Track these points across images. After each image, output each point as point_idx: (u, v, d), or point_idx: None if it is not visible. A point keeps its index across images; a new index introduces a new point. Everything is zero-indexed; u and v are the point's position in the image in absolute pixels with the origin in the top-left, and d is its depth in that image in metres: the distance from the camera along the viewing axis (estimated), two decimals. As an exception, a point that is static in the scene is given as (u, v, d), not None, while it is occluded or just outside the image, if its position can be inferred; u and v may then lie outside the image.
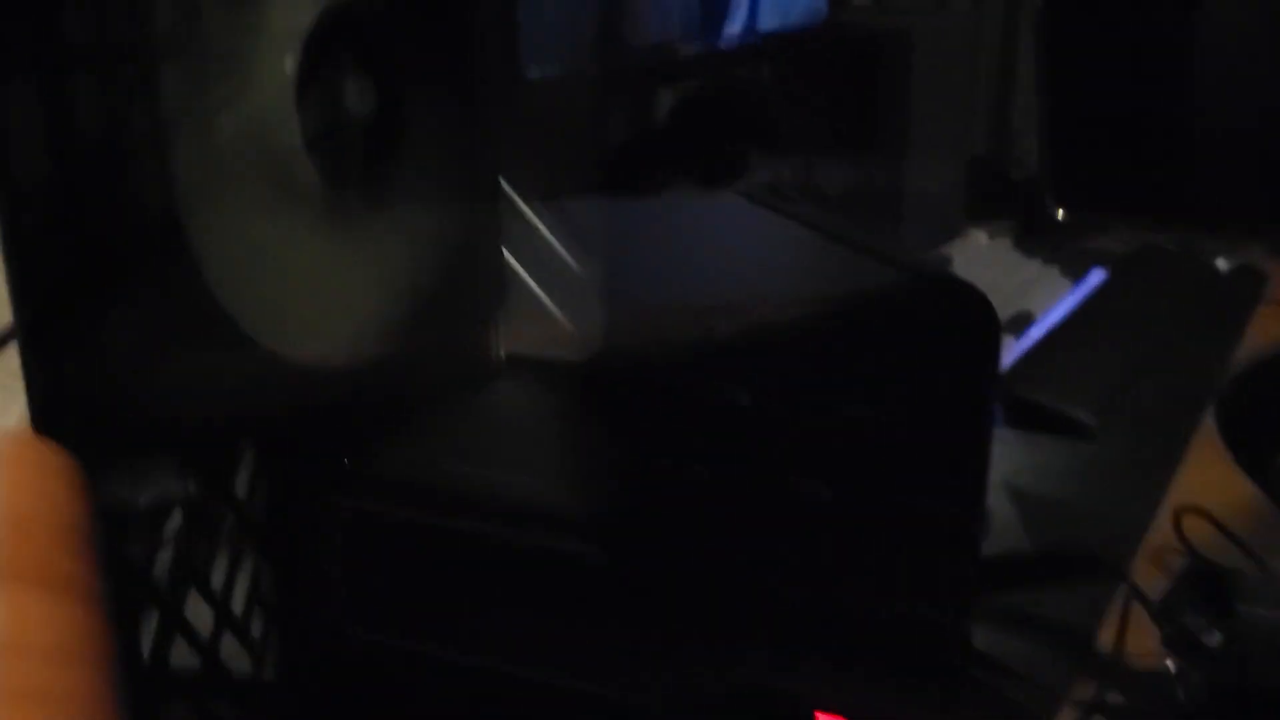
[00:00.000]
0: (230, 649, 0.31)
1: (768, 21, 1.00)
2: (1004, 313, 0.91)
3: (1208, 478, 0.72)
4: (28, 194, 0.25)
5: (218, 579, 0.30)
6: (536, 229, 0.33)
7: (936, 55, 1.11)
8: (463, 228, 0.31)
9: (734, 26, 0.95)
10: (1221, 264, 1.08)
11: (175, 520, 0.25)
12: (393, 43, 0.27)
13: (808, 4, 1.07)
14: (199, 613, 0.30)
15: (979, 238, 1.09)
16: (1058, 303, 0.96)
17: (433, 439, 0.29)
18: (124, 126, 0.25)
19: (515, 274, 0.32)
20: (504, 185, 0.33)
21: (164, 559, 0.27)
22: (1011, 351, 0.86)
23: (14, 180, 0.24)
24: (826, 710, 0.28)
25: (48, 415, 0.21)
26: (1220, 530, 0.62)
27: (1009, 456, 0.74)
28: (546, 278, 0.32)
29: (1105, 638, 0.55)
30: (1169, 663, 0.49)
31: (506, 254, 0.33)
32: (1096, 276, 1.03)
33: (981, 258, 1.04)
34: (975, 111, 1.39)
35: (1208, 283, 1.06)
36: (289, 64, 0.24)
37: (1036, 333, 0.90)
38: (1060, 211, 1.10)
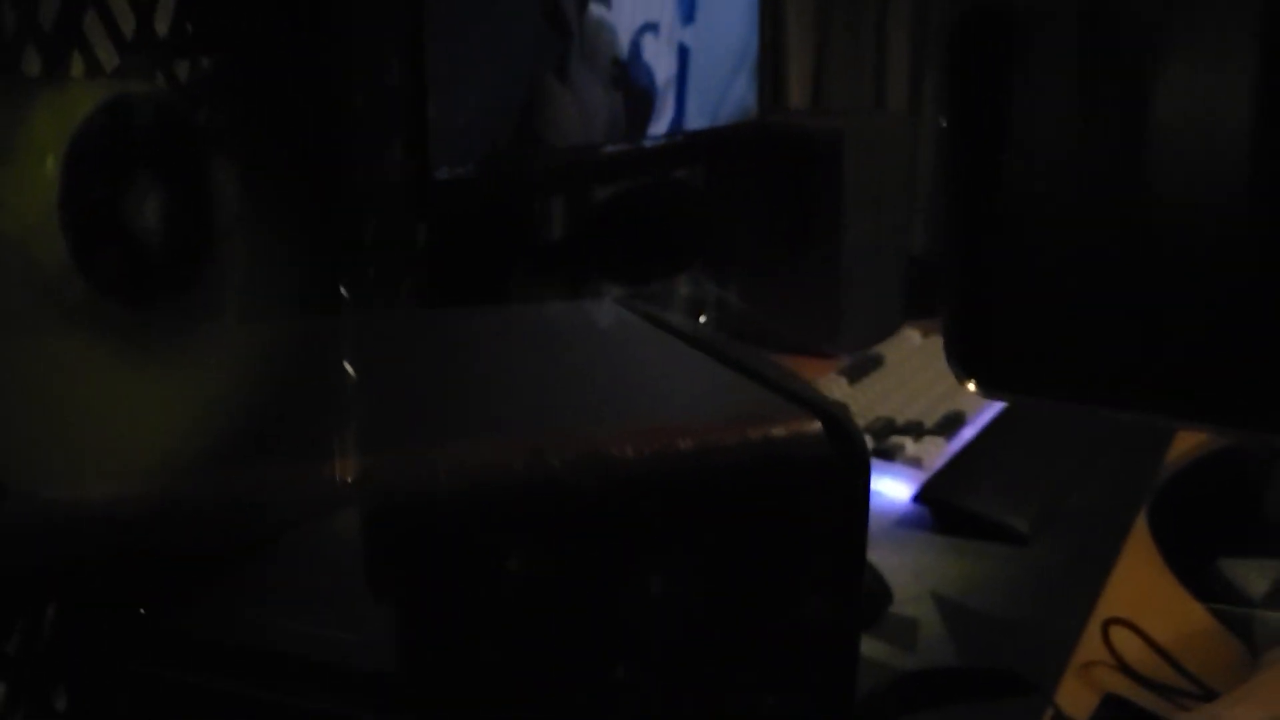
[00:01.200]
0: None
1: (695, 121, 1.00)
2: (936, 413, 0.90)
3: (1141, 583, 0.70)
4: None
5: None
6: (387, 340, 0.31)
7: (871, 155, 1.12)
8: (295, 343, 0.29)
9: (659, 126, 0.95)
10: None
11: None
12: (224, 155, 0.25)
13: (737, 103, 1.08)
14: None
15: (913, 336, 1.08)
16: (991, 404, 0.95)
17: (243, 585, 0.26)
18: None
19: (352, 385, 0.30)
20: (343, 293, 0.31)
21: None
22: (942, 454, 0.84)
23: None
24: None
25: None
26: (1147, 643, 0.61)
27: (938, 565, 0.71)
28: (392, 394, 0.29)
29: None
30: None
31: (348, 367, 0.30)
32: (1030, 375, 1.02)
33: (915, 356, 1.04)
34: (911, 210, 1.40)
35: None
36: (49, 163, 0.21)
37: (968, 434, 0.88)
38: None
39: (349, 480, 0.23)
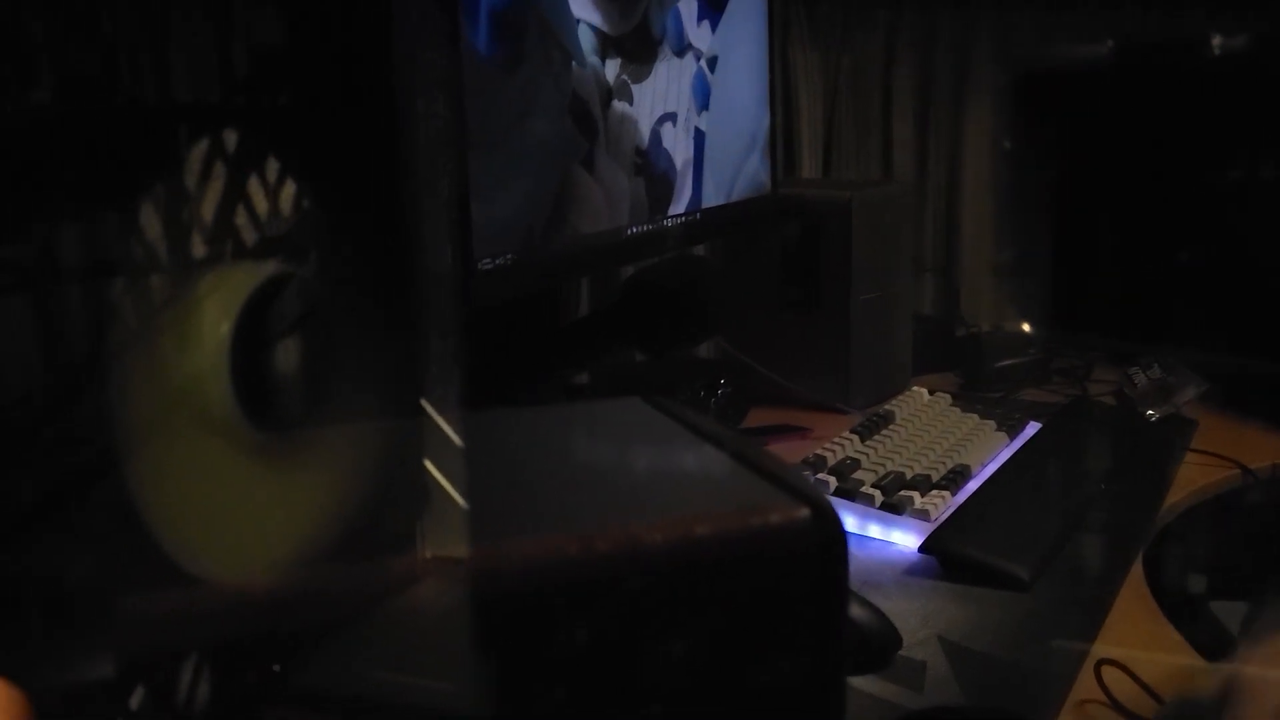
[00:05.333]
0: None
1: (712, 198, 1.08)
2: (943, 467, 0.96)
3: (1135, 625, 0.75)
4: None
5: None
6: (451, 441, 0.38)
7: (878, 221, 1.19)
8: (385, 448, 0.36)
9: (679, 205, 1.03)
10: (1152, 413, 1.14)
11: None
12: (330, 310, 0.33)
13: (751, 179, 1.15)
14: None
15: (921, 393, 1.14)
16: (994, 456, 1.01)
17: (356, 646, 0.33)
18: (76, 357, 0.30)
19: (434, 483, 0.37)
20: (424, 404, 0.38)
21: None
22: (948, 506, 0.90)
23: None
24: None
25: (11, 652, 0.25)
26: (1136, 682, 0.66)
27: (945, 610, 0.77)
28: (461, 485, 0.36)
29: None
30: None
31: (428, 466, 0.38)
32: (1032, 430, 1.08)
33: (923, 413, 1.10)
34: (918, 271, 1.47)
35: (1139, 432, 1.11)
36: (224, 329, 0.29)
37: (973, 486, 0.94)
38: (1027, 327, 1.21)
39: (443, 567, 0.30)
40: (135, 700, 0.27)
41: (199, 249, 0.30)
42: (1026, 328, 1.34)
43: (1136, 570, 0.82)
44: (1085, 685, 0.67)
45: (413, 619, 0.33)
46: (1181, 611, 0.79)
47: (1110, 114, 1.14)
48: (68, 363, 0.29)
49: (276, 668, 0.33)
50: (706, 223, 1.07)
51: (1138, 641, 0.72)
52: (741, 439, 0.39)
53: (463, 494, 0.35)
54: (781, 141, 1.40)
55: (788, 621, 0.31)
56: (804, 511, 0.32)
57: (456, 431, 0.38)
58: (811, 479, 0.92)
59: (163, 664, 0.31)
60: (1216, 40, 1.05)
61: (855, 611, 0.71)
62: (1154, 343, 1.23)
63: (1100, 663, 0.67)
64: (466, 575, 0.31)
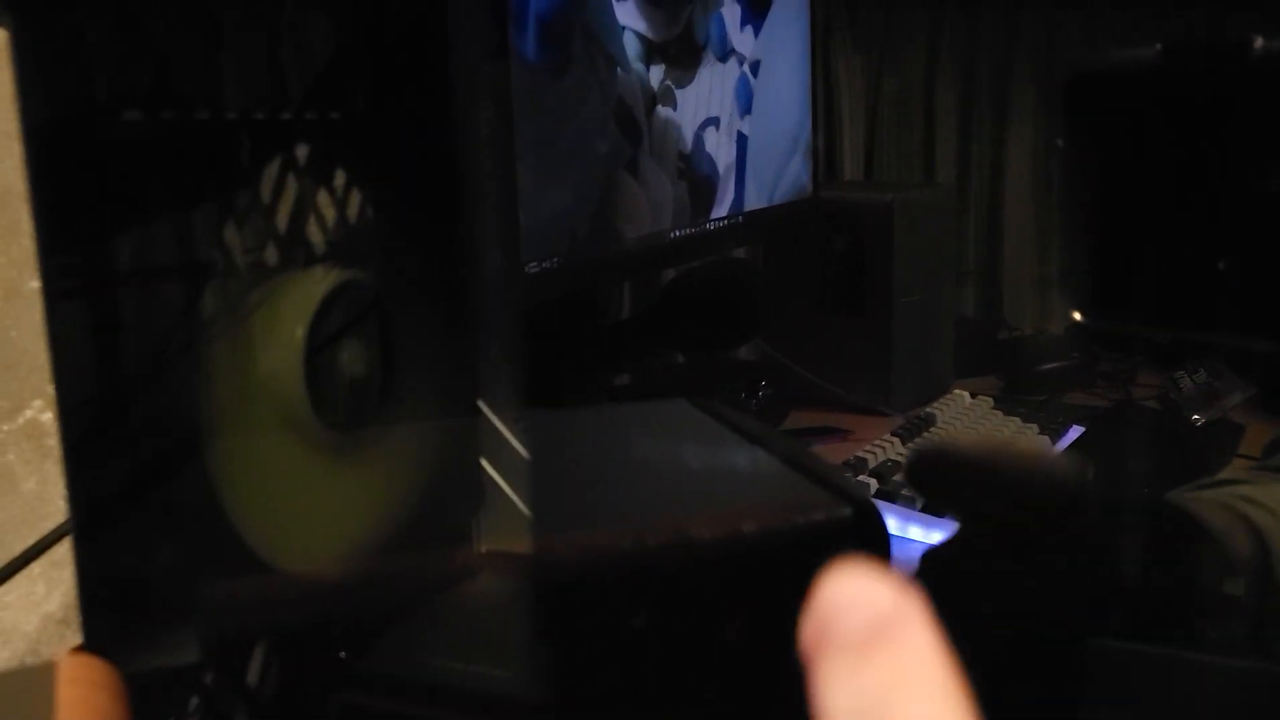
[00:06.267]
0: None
1: (754, 201, 1.09)
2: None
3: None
4: (80, 405, 0.31)
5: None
6: (507, 440, 0.40)
7: (919, 224, 1.19)
8: (444, 446, 0.38)
9: (721, 209, 1.04)
10: (1197, 418, 1.13)
11: (191, 708, 0.30)
12: (391, 313, 0.35)
13: (793, 182, 1.16)
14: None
15: (963, 396, 1.14)
16: (1036, 459, 1.01)
17: (418, 634, 0.34)
18: (161, 353, 0.32)
19: (490, 479, 0.38)
20: (481, 404, 0.40)
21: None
22: (989, 509, 0.90)
23: (68, 391, 0.31)
24: None
25: (99, 633, 0.27)
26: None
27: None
28: (516, 482, 0.38)
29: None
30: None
31: (484, 464, 0.39)
32: (1075, 434, 1.08)
33: (963, 416, 1.10)
34: (961, 274, 1.47)
35: (1184, 437, 1.10)
36: (299, 332, 0.31)
37: (1014, 490, 0.94)
38: (1077, 315, 1.19)
39: (501, 559, 0.32)
40: (210, 682, 0.29)
41: (272, 255, 0.32)
42: (1078, 316, 1.33)
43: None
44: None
45: (472, 608, 0.34)
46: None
47: (1155, 115, 1.14)
48: (152, 356, 0.31)
49: (343, 654, 0.34)
50: (748, 225, 1.08)
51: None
52: (788, 439, 0.40)
53: (519, 490, 0.37)
54: (823, 144, 1.41)
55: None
56: (847, 510, 0.33)
57: (513, 430, 0.40)
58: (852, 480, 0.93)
59: (237, 649, 0.33)
60: (1259, 42, 1.04)
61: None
62: (1206, 333, 1.21)
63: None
64: (524, 566, 0.32)
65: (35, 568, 0.44)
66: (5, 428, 0.49)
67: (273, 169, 0.33)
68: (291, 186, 0.33)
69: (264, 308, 0.31)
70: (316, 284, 0.32)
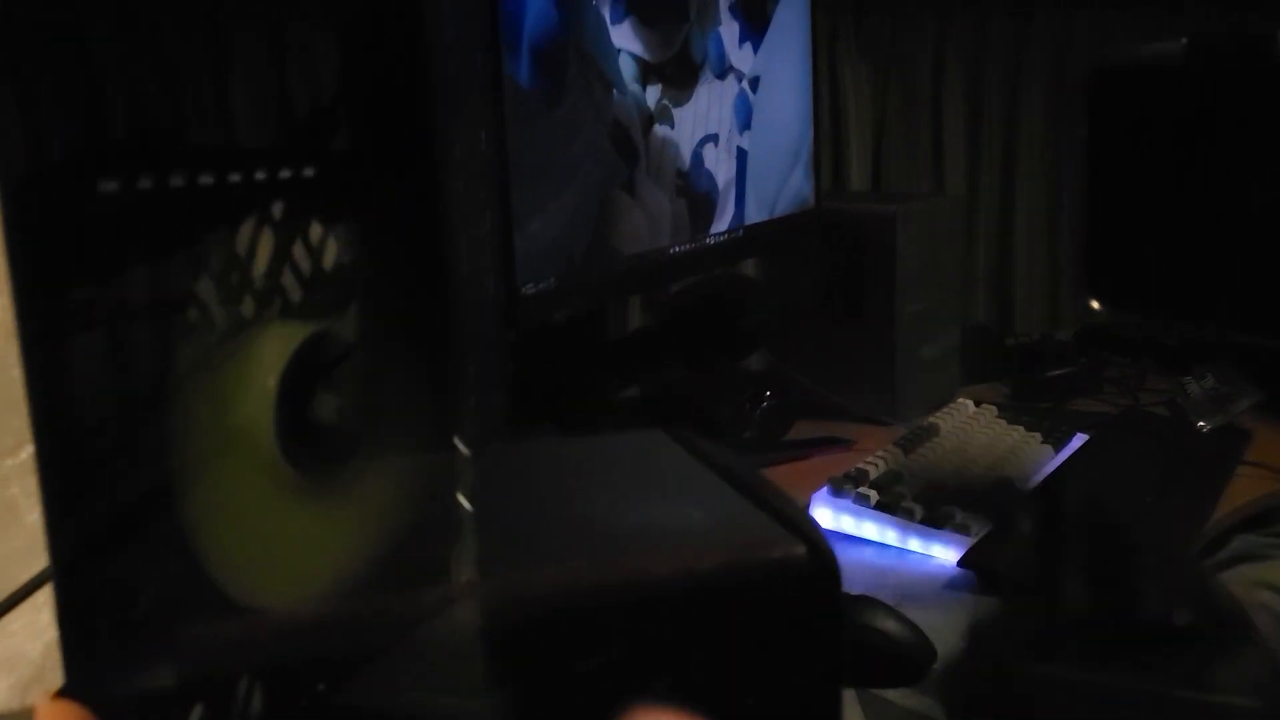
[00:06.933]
0: None
1: (754, 215, 1.10)
2: (986, 481, 0.97)
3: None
4: (60, 449, 0.33)
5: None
6: (479, 474, 0.41)
7: (924, 234, 1.19)
8: (420, 482, 0.39)
9: (721, 224, 1.05)
10: (1204, 424, 1.13)
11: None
12: (366, 359, 0.36)
13: (794, 195, 1.17)
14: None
15: (967, 405, 1.15)
16: (1039, 469, 1.02)
17: (396, 666, 0.36)
18: (141, 390, 0.34)
19: (464, 513, 0.40)
20: (456, 441, 0.42)
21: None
22: (988, 519, 0.91)
23: (47, 436, 0.33)
24: None
25: (81, 679, 0.29)
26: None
27: (982, 624, 0.78)
28: (486, 517, 0.39)
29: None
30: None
31: (460, 497, 0.41)
32: (1079, 441, 1.08)
33: (968, 425, 1.10)
34: (971, 281, 1.47)
35: (1190, 443, 1.10)
36: (270, 383, 0.32)
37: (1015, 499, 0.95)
38: (1096, 304, 1.22)
39: (465, 595, 0.34)
40: (194, 716, 0.31)
41: (249, 306, 0.34)
42: (1096, 304, 1.34)
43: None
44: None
45: (442, 643, 0.36)
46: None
47: (1179, 107, 1.14)
48: (135, 396, 0.33)
49: (321, 687, 0.36)
50: (749, 239, 1.09)
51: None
52: (754, 473, 0.41)
53: (487, 525, 0.38)
54: (830, 155, 1.41)
55: (783, 650, 0.34)
56: (800, 548, 0.34)
57: (486, 465, 0.41)
58: (852, 493, 0.94)
59: (218, 683, 0.34)
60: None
61: (889, 625, 0.72)
62: (1221, 325, 1.21)
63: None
64: (484, 604, 0.33)
65: (39, 596, 0.46)
66: (9, 462, 0.51)
67: (248, 226, 0.34)
68: (267, 239, 0.35)
69: (237, 359, 0.33)
70: (289, 336, 0.33)
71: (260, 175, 0.33)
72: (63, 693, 0.30)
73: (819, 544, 0.35)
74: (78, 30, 0.37)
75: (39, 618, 0.50)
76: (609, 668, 0.33)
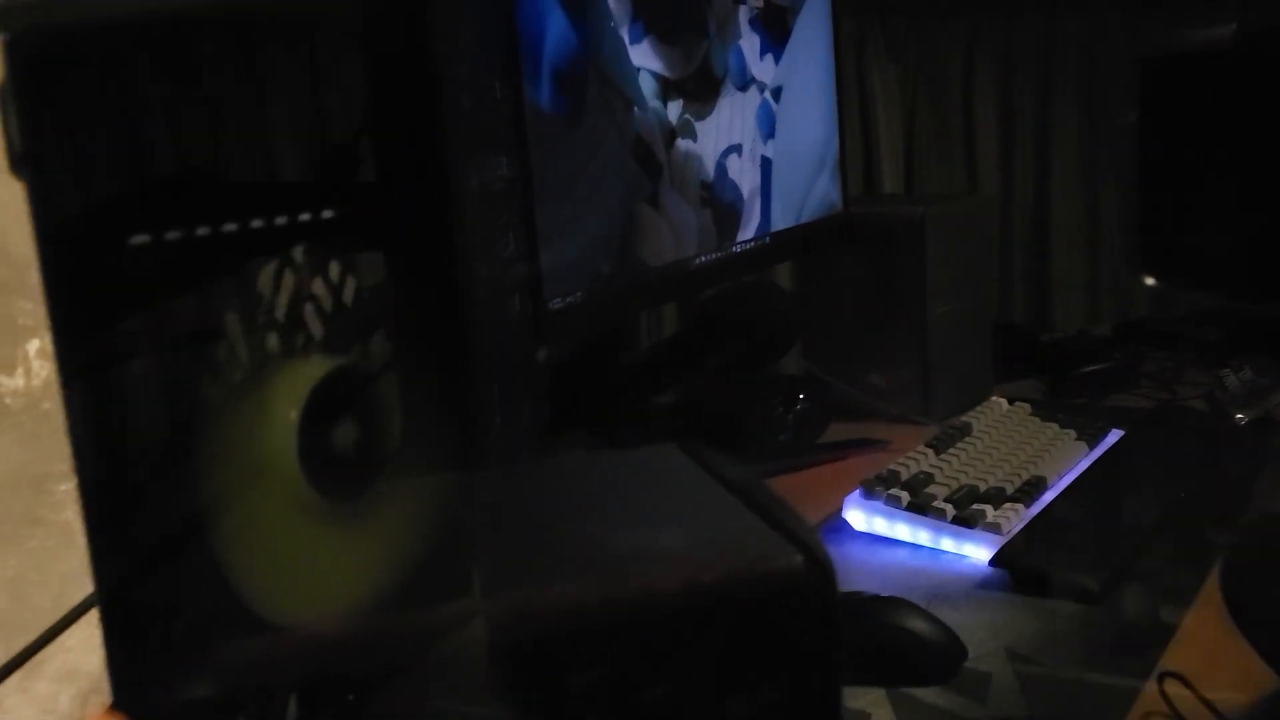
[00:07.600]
0: None
1: (781, 222, 1.11)
2: (1019, 479, 0.97)
3: (1207, 640, 0.75)
4: (103, 478, 0.36)
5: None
6: (495, 493, 0.43)
7: (956, 234, 1.20)
8: (442, 502, 0.42)
9: (747, 232, 1.06)
10: (1241, 417, 1.12)
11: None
12: (387, 394, 0.39)
13: (821, 199, 1.18)
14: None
15: (1000, 403, 1.15)
16: (1073, 467, 1.02)
17: (422, 677, 0.38)
18: (173, 430, 0.36)
19: (480, 533, 0.42)
20: (469, 462, 0.44)
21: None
22: (1021, 518, 0.91)
23: (89, 467, 0.35)
24: None
25: (128, 694, 0.31)
26: (1197, 696, 0.66)
27: (1013, 623, 0.79)
28: (501, 535, 0.42)
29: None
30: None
31: (475, 518, 0.43)
32: (1114, 437, 1.08)
33: (1002, 423, 1.10)
34: (1005, 280, 1.47)
35: (1226, 437, 1.09)
36: (293, 415, 0.35)
37: (1048, 498, 0.95)
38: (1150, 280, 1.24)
39: (483, 612, 0.36)
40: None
41: (273, 342, 0.36)
42: (1150, 281, 1.34)
43: (1213, 583, 0.82)
44: (1149, 699, 0.68)
45: (471, 653, 0.38)
46: (1258, 625, 0.79)
47: (1230, 91, 1.14)
48: (163, 438, 0.36)
49: (351, 698, 0.38)
50: (776, 246, 1.10)
51: (1208, 657, 0.73)
52: (764, 487, 0.43)
53: (503, 543, 0.40)
54: (861, 159, 1.42)
55: (782, 660, 0.35)
56: (799, 561, 0.36)
57: (502, 485, 0.44)
58: (884, 495, 0.95)
59: (256, 695, 0.37)
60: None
61: (918, 625, 0.74)
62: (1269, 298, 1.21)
63: (1162, 675, 0.68)
64: (496, 620, 0.36)
65: (95, 613, 0.50)
66: (63, 488, 0.54)
67: (271, 267, 0.37)
68: (289, 279, 0.37)
69: (261, 393, 0.35)
70: (310, 371, 0.36)
71: (281, 219, 0.36)
72: (113, 707, 0.32)
73: (817, 555, 0.37)
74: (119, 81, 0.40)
75: (95, 633, 0.53)
76: (610, 681, 0.35)
